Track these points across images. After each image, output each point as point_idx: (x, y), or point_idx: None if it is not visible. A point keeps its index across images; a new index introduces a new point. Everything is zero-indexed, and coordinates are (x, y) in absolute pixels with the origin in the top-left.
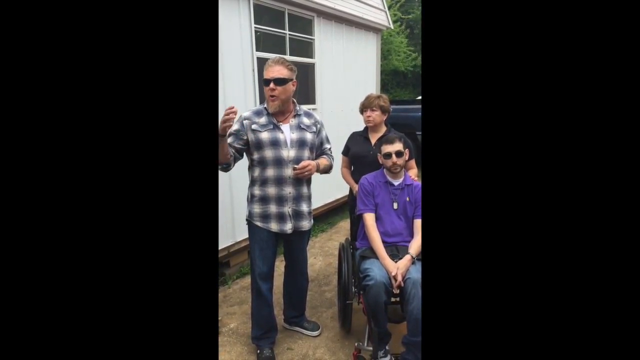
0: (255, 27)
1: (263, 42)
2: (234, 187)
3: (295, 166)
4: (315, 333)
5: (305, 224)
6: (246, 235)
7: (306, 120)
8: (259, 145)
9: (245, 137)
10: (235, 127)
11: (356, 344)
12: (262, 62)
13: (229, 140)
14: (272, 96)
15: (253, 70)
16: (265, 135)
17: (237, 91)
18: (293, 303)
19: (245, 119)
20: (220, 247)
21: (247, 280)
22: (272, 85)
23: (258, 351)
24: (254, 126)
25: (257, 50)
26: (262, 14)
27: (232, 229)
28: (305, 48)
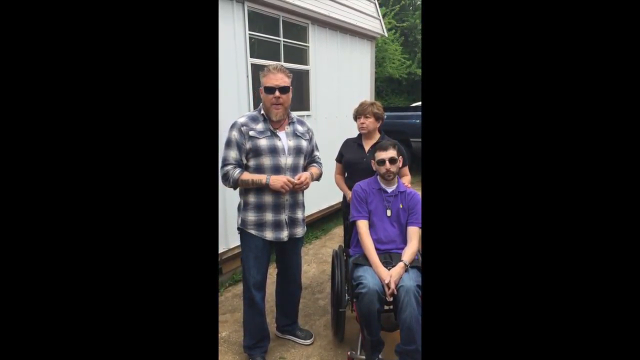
0: (249, 34)
1: (257, 48)
2: (226, 193)
3: (294, 181)
4: (308, 342)
5: (300, 231)
6: (239, 242)
7: (300, 128)
8: (257, 152)
9: (246, 146)
10: (235, 135)
11: (349, 352)
12: (256, 69)
13: (234, 155)
14: (277, 104)
15: (247, 76)
16: (263, 142)
17: (231, 97)
18: (285, 311)
19: (242, 126)
20: None
21: (240, 287)
22: (277, 93)
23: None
24: (251, 133)
25: (251, 56)
26: (256, 21)
27: (224, 235)
28: (299, 55)
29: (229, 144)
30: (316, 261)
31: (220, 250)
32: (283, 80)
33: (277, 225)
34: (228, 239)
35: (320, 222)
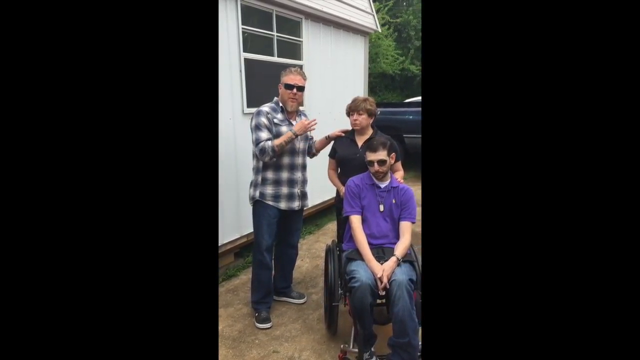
0: (242, 28)
1: (251, 43)
2: (221, 191)
3: (309, 121)
4: (301, 301)
5: (307, 203)
6: (232, 238)
7: (304, 119)
8: (279, 136)
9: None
10: (264, 120)
11: (342, 346)
12: (249, 63)
13: (266, 135)
14: (293, 99)
15: (240, 71)
16: (284, 129)
17: (224, 91)
18: (284, 274)
19: (268, 113)
20: None
21: (233, 282)
22: (295, 90)
23: (256, 314)
24: (275, 120)
25: (244, 51)
26: (249, 15)
27: (219, 231)
28: (293, 50)
29: (259, 127)
30: (309, 256)
31: None
32: (300, 81)
33: (290, 197)
34: (222, 235)
35: (313, 218)
